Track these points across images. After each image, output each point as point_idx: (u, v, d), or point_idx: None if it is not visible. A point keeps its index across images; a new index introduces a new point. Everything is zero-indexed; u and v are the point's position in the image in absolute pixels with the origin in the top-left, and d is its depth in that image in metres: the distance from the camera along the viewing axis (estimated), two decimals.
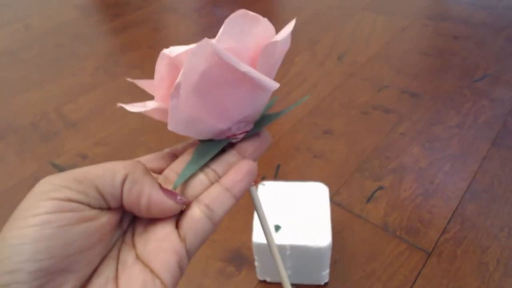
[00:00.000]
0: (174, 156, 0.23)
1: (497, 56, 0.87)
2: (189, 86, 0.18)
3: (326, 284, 0.48)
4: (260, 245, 0.43)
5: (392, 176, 0.61)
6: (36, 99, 0.85)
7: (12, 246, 0.15)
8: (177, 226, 0.20)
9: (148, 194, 0.19)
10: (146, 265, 0.18)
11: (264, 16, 0.19)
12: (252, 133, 0.22)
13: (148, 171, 0.20)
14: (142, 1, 1.25)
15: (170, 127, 0.19)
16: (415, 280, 0.48)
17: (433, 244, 0.52)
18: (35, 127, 0.77)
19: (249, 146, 0.22)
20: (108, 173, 0.18)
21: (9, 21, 1.18)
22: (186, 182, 0.21)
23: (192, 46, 0.19)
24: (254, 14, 0.18)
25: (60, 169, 0.67)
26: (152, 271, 0.18)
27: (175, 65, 0.19)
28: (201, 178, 0.21)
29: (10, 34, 1.12)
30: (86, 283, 0.18)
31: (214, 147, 0.21)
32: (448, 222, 0.54)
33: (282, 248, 0.43)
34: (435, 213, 0.55)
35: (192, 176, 0.21)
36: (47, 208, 0.16)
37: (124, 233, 0.20)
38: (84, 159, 0.69)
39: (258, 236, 0.43)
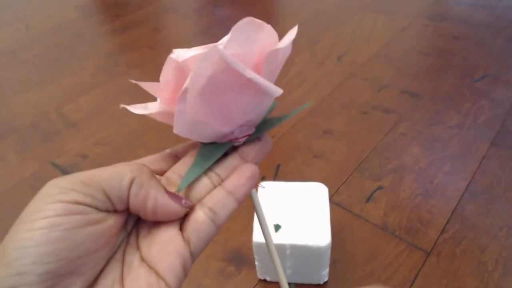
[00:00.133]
0: (175, 157, 0.23)
1: (497, 56, 0.87)
2: (195, 90, 0.18)
3: (325, 283, 0.48)
4: (260, 245, 0.44)
5: (392, 176, 0.61)
6: (36, 99, 0.85)
7: (20, 249, 0.16)
8: (181, 228, 0.20)
9: (154, 198, 0.19)
10: (151, 267, 0.18)
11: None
12: (254, 137, 0.22)
13: (154, 174, 0.20)
14: (142, 1, 1.25)
15: (175, 131, 0.19)
16: (414, 280, 0.48)
17: (433, 243, 0.52)
18: (35, 127, 0.77)
19: (251, 150, 0.22)
20: (115, 176, 0.18)
21: (9, 21, 1.18)
22: (189, 185, 0.21)
23: (199, 51, 0.19)
24: (260, 21, 0.19)
25: (61, 169, 0.67)
26: (157, 273, 0.18)
27: (181, 69, 0.19)
28: (204, 181, 0.21)
29: (10, 34, 1.12)
30: (92, 285, 0.18)
31: (217, 150, 0.22)
32: (448, 222, 0.54)
33: (282, 247, 0.43)
34: (435, 213, 0.56)
35: (195, 179, 0.21)
36: (55, 210, 0.16)
37: (129, 235, 0.20)
38: (84, 159, 0.69)
39: (258, 236, 0.43)
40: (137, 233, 0.20)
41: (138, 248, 0.20)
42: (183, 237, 0.19)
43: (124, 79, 0.89)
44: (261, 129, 0.23)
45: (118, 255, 0.19)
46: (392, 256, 0.51)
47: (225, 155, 0.22)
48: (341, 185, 0.60)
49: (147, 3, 1.24)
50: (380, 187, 0.60)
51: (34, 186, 0.65)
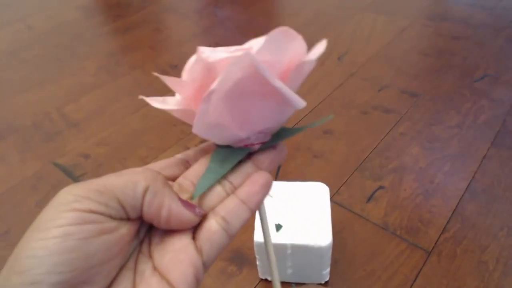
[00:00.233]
0: (187, 163, 0.23)
1: (497, 56, 0.87)
2: (221, 93, 0.18)
3: (326, 283, 0.48)
4: (261, 245, 0.44)
5: (392, 176, 0.62)
6: (37, 99, 0.85)
7: (33, 258, 0.15)
8: (193, 237, 0.20)
9: (168, 206, 0.19)
10: (163, 276, 0.18)
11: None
12: (269, 145, 0.22)
13: (168, 182, 0.20)
14: (144, 2, 1.26)
15: (194, 130, 0.19)
16: (415, 279, 0.48)
17: (433, 243, 0.52)
18: (36, 127, 0.77)
19: (265, 158, 0.22)
20: (129, 184, 0.18)
21: (10, 22, 1.18)
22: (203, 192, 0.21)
23: (226, 52, 0.19)
24: (293, 31, 0.19)
25: (62, 169, 0.68)
26: (169, 283, 0.18)
27: (208, 69, 0.19)
28: (217, 189, 0.21)
29: (11, 34, 1.12)
30: None
31: (233, 156, 0.21)
32: (448, 222, 0.55)
33: (283, 247, 0.43)
34: (435, 213, 0.56)
35: (209, 186, 0.21)
36: (69, 219, 0.16)
37: (141, 243, 0.20)
38: (86, 159, 0.69)
39: (259, 236, 0.43)
40: (149, 241, 0.20)
41: (150, 256, 0.20)
42: (195, 246, 0.19)
43: (126, 79, 0.89)
44: (277, 137, 0.23)
45: (131, 263, 0.19)
46: (393, 256, 0.51)
47: (239, 162, 0.22)
48: (341, 185, 0.61)
49: (148, 3, 1.24)
50: (380, 187, 0.60)
51: (36, 186, 0.65)
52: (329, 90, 0.81)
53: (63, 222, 0.16)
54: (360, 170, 0.63)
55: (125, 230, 0.18)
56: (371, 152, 0.66)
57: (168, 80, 0.21)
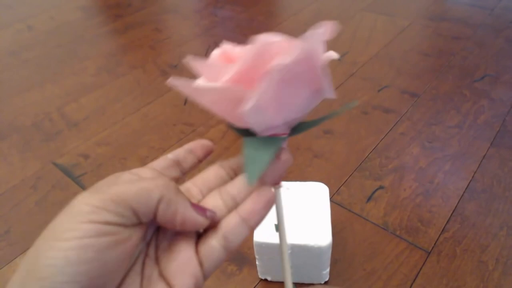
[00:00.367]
0: (179, 164, 0.24)
1: (497, 56, 0.87)
2: (282, 71, 0.18)
3: (326, 283, 0.48)
4: (261, 245, 0.44)
5: (392, 176, 0.62)
6: (38, 99, 0.85)
7: (53, 266, 0.16)
8: (196, 249, 0.21)
9: (182, 214, 0.20)
10: (168, 283, 0.20)
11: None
12: (289, 136, 0.23)
13: (179, 189, 0.20)
14: (144, 2, 1.26)
15: (248, 108, 0.19)
16: (415, 279, 0.48)
17: (433, 243, 0.52)
18: (37, 127, 0.78)
19: (270, 171, 0.22)
20: (143, 193, 0.19)
21: (11, 22, 1.19)
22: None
23: (286, 38, 0.20)
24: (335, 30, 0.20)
25: (62, 169, 0.68)
26: None
27: (261, 53, 0.19)
28: (219, 205, 0.22)
29: (12, 35, 1.12)
30: None
31: (268, 145, 0.21)
32: (448, 222, 0.55)
33: None
34: (435, 213, 0.56)
35: (210, 200, 0.22)
36: (88, 231, 0.17)
37: (147, 245, 0.21)
38: (86, 159, 0.69)
39: (259, 236, 0.43)
40: (156, 244, 0.21)
41: (157, 262, 0.21)
42: (198, 259, 0.20)
43: (126, 79, 0.89)
44: (294, 131, 0.23)
45: (137, 267, 0.20)
46: (392, 256, 0.51)
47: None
48: (341, 185, 0.61)
49: (148, 3, 1.24)
50: (380, 187, 0.60)
51: (36, 186, 0.65)
52: None
53: (82, 234, 0.17)
54: (360, 170, 0.63)
55: (136, 236, 0.19)
56: (371, 152, 0.66)
57: (202, 64, 0.20)
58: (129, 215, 0.18)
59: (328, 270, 0.47)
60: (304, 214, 0.45)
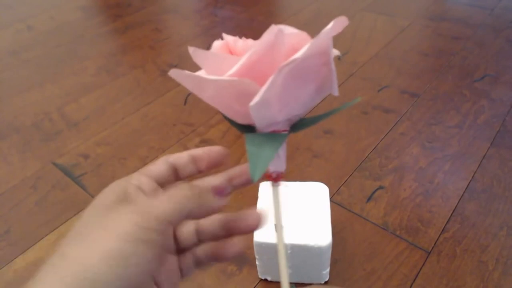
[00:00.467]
0: (175, 171, 0.24)
1: (497, 56, 0.87)
2: (292, 67, 0.18)
3: (326, 283, 0.48)
4: (261, 245, 0.44)
5: (392, 176, 0.62)
6: (38, 99, 0.85)
7: (104, 282, 0.18)
8: (178, 258, 0.25)
9: (212, 210, 0.22)
10: None
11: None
12: (289, 133, 0.22)
13: (208, 190, 0.22)
14: (143, 2, 1.26)
15: (255, 102, 0.18)
16: (415, 279, 0.48)
17: (433, 243, 0.52)
18: (37, 127, 0.78)
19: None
20: (179, 209, 0.20)
21: (11, 22, 1.19)
22: None
23: (298, 31, 0.19)
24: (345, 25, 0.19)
25: (62, 168, 0.68)
26: None
27: (272, 45, 0.18)
28: (191, 230, 0.26)
29: (12, 35, 1.12)
30: None
31: (271, 142, 0.21)
32: (448, 222, 0.55)
33: None
34: (435, 213, 0.56)
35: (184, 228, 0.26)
36: (145, 257, 0.19)
37: None
38: (86, 159, 0.69)
39: (259, 236, 0.43)
40: None
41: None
42: (179, 267, 0.25)
43: (126, 79, 0.89)
44: (295, 128, 0.23)
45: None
46: (392, 256, 0.51)
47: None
48: (341, 185, 0.61)
49: (148, 3, 1.24)
50: (380, 187, 0.60)
51: (36, 186, 0.65)
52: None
53: (140, 261, 0.18)
54: (360, 170, 0.63)
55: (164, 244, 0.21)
56: (371, 152, 0.66)
57: (204, 56, 0.19)
58: (168, 230, 0.20)
59: (328, 270, 0.47)
60: (304, 214, 0.45)
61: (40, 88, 0.89)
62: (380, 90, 0.80)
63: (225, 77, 0.19)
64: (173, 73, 0.19)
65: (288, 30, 0.19)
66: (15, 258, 0.54)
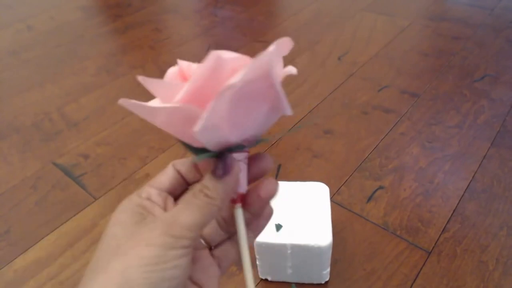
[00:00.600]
0: (182, 178, 0.25)
1: (497, 57, 0.87)
2: (234, 90, 0.18)
3: (326, 283, 0.48)
4: (261, 245, 0.44)
5: (392, 176, 0.62)
6: (38, 99, 0.85)
7: (151, 284, 0.19)
8: (211, 254, 0.25)
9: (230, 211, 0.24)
10: (201, 286, 0.24)
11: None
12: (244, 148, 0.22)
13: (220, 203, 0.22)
14: (143, 2, 1.26)
15: (198, 128, 0.19)
16: (415, 279, 0.48)
17: (433, 243, 0.52)
18: (37, 127, 0.78)
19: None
20: (209, 219, 0.21)
21: (11, 22, 1.19)
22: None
23: (239, 55, 0.20)
24: (290, 44, 0.20)
25: (62, 168, 0.68)
26: None
27: (214, 69, 0.19)
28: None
29: (12, 35, 1.12)
30: None
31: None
32: (448, 222, 0.55)
33: (283, 247, 0.43)
34: (435, 213, 0.56)
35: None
36: (177, 263, 0.20)
37: None
38: (86, 159, 0.69)
39: (259, 236, 0.43)
40: None
41: None
42: (217, 263, 0.25)
43: (126, 79, 0.89)
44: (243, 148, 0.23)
45: None
46: (392, 256, 0.51)
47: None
48: (341, 185, 0.61)
49: (148, 3, 1.24)
50: (380, 187, 0.60)
51: (36, 186, 0.65)
52: (329, 90, 0.81)
53: (170, 258, 0.20)
54: (360, 170, 0.63)
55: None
56: (371, 152, 0.66)
57: (153, 83, 0.20)
58: (196, 235, 0.21)
59: (328, 270, 0.47)
60: (304, 214, 0.45)
61: (40, 88, 0.89)
62: (380, 90, 0.80)
63: (169, 104, 0.19)
64: (123, 102, 0.20)
65: (227, 55, 0.19)
66: (15, 258, 0.54)
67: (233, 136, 0.21)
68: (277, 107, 0.20)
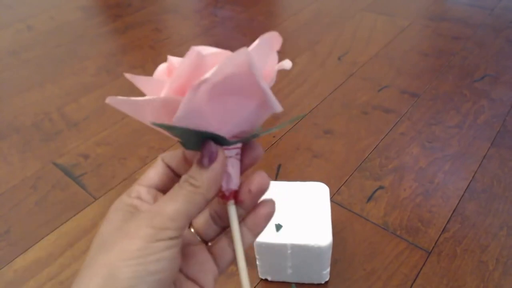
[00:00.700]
0: (170, 169, 0.24)
1: (497, 56, 0.87)
2: (210, 84, 0.18)
3: (326, 283, 0.48)
4: (261, 245, 0.44)
5: (392, 176, 0.62)
6: (38, 99, 0.85)
7: (137, 278, 0.19)
8: (210, 251, 0.25)
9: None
10: (196, 283, 0.23)
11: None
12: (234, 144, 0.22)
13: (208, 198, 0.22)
14: (143, 2, 1.26)
15: (176, 118, 0.19)
16: (415, 279, 0.48)
17: (433, 243, 0.52)
18: (36, 127, 0.78)
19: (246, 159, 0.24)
20: (193, 208, 0.21)
21: (11, 22, 1.19)
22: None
23: (222, 50, 0.20)
24: (279, 39, 0.20)
25: (62, 168, 0.68)
26: (201, 287, 0.23)
27: (197, 65, 0.19)
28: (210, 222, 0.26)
29: (12, 35, 1.12)
30: None
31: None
32: (448, 222, 0.55)
33: (283, 247, 0.43)
34: (435, 213, 0.56)
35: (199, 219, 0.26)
36: (159, 248, 0.20)
37: None
38: (86, 159, 0.69)
39: (259, 236, 0.43)
40: None
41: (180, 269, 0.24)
42: (213, 260, 0.24)
43: (126, 79, 0.89)
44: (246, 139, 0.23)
45: None
46: (392, 256, 0.51)
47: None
48: (341, 185, 0.61)
49: (148, 3, 1.24)
50: (380, 187, 0.60)
51: (36, 186, 0.65)
52: (329, 90, 0.81)
53: (154, 251, 0.20)
54: (360, 170, 0.63)
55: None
56: (371, 152, 0.66)
57: (141, 80, 0.20)
58: (183, 226, 0.21)
59: (328, 270, 0.47)
60: (304, 214, 0.45)
61: (40, 88, 0.89)
62: (380, 90, 0.80)
63: (154, 96, 0.19)
64: (110, 100, 0.20)
65: (207, 51, 0.19)
66: (15, 258, 0.54)
67: (222, 132, 0.21)
68: (266, 104, 0.20)
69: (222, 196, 0.23)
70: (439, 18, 1.04)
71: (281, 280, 0.49)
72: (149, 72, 0.91)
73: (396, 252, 0.51)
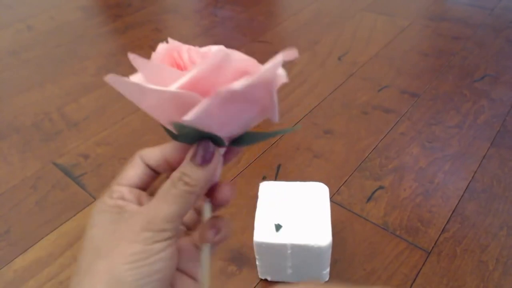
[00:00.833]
0: (151, 170, 0.24)
1: (497, 57, 0.87)
2: (232, 93, 0.18)
3: (326, 283, 0.48)
4: (261, 245, 0.44)
5: (392, 176, 0.62)
6: (38, 99, 0.85)
7: (139, 274, 0.19)
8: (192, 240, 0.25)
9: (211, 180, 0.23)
10: (185, 273, 0.24)
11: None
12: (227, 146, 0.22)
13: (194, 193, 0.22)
14: (143, 2, 1.26)
15: (190, 118, 0.18)
16: (415, 279, 0.48)
17: (433, 243, 0.52)
18: (37, 127, 0.78)
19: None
20: (187, 207, 0.21)
21: (11, 22, 1.19)
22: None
23: (249, 57, 0.20)
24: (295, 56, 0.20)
25: (62, 168, 0.68)
26: (191, 277, 0.24)
27: (219, 67, 0.19)
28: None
29: (12, 35, 1.12)
30: None
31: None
32: (448, 221, 0.55)
33: (283, 247, 0.43)
34: (435, 213, 0.56)
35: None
36: (156, 250, 0.20)
37: None
38: (86, 159, 0.69)
39: (259, 236, 0.43)
40: None
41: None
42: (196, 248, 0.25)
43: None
44: (242, 142, 0.23)
45: None
46: (392, 256, 0.51)
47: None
48: (341, 185, 0.61)
49: (148, 3, 1.24)
50: (380, 187, 0.60)
51: (36, 186, 0.65)
52: (329, 90, 0.81)
53: (155, 251, 0.20)
54: (360, 170, 0.63)
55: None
56: (371, 152, 0.66)
57: (148, 65, 0.19)
58: (177, 225, 0.21)
59: (328, 270, 0.47)
60: (304, 214, 0.45)
61: (40, 88, 0.89)
62: (380, 90, 0.80)
63: (172, 88, 0.18)
64: (111, 79, 0.18)
65: (236, 56, 0.19)
66: (15, 258, 0.54)
67: (221, 133, 0.21)
68: (265, 111, 0.21)
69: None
70: (439, 18, 1.04)
71: (281, 280, 0.49)
72: None
73: (396, 252, 0.51)
